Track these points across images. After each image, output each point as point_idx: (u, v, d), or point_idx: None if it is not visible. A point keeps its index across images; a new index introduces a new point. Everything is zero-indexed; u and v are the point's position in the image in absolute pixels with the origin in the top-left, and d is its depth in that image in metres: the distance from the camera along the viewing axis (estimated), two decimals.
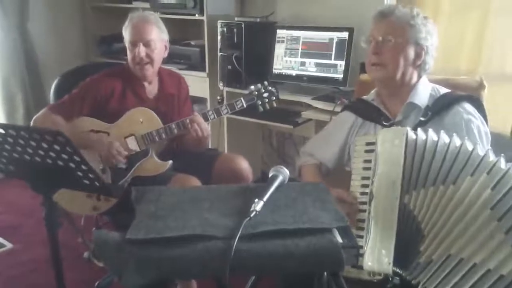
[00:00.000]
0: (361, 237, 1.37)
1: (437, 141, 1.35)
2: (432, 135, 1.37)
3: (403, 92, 1.62)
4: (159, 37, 2.07)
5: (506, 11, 2.40)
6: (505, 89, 2.47)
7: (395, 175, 1.35)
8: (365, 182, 1.44)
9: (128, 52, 2.07)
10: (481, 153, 1.30)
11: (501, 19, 2.42)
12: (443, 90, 1.66)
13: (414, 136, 1.38)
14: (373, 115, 1.68)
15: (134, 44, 2.03)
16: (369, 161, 1.45)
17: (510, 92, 2.47)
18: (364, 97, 1.77)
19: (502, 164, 1.27)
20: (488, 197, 1.24)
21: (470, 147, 1.32)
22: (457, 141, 1.34)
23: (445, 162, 1.32)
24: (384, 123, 1.62)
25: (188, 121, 1.99)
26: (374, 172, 1.40)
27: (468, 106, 1.59)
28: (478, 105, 1.63)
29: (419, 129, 1.42)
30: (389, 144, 1.40)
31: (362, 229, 1.39)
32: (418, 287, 1.29)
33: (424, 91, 1.63)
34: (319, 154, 1.78)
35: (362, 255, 1.32)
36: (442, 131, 1.38)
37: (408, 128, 1.41)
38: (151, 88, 2.15)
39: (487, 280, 1.20)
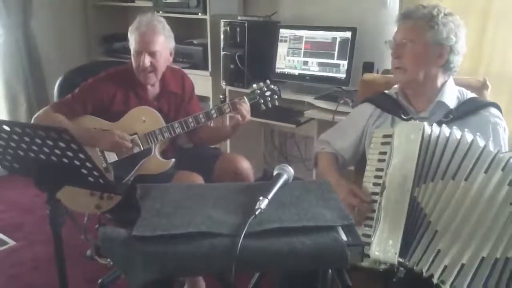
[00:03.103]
0: (370, 226, 1.41)
1: (449, 137, 1.37)
2: (445, 130, 1.39)
3: (429, 91, 1.63)
4: (165, 46, 2.05)
5: (506, 13, 2.41)
6: (505, 89, 2.47)
7: (409, 169, 1.37)
8: (379, 173, 1.46)
9: (133, 58, 2.05)
10: (493, 150, 1.31)
11: (501, 21, 2.43)
12: (469, 94, 1.67)
13: (429, 131, 1.40)
14: (392, 107, 1.69)
15: (139, 52, 2.01)
16: (384, 153, 1.47)
17: (510, 93, 2.48)
18: (386, 91, 1.77)
19: None
20: (507, 194, 1.26)
21: (481, 143, 1.33)
22: (468, 137, 1.36)
23: (455, 157, 1.34)
24: (403, 117, 1.63)
25: (232, 103, 2.02)
26: (388, 163, 1.43)
27: (494, 111, 1.60)
28: (501, 111, 1.64)
29: (434, 124, 1.43)
30: (405, 138, 1.42)
31: (371, 219, 1.43)
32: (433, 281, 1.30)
33: (452, 92, 1.63)
34: (336, 144, 1.78)
35: (369, 244, 1.35)
36: (454, 127, 1.40)
37: (425, 123, 1.42)
38: (153, 89, 2.15)
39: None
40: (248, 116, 2.03)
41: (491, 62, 2.50)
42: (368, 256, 1.36)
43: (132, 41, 2.04)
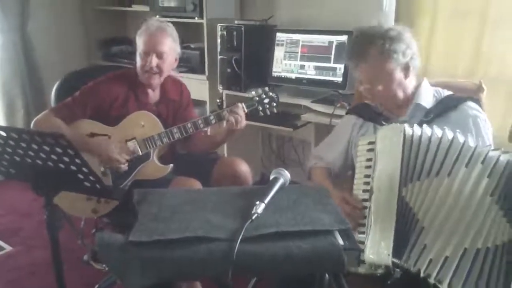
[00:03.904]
0: (363, 233, 1.42)
1: (431, 136, 1.41)
2: (426, 130, 1.43)
3: (406, 96, 1.67)
4: (172, 49, 2.07)
5: (503, 16, 2.42)
6: (502, 93, 2.48)
7: (394, 170, 1.40)
8: (368, 180, 1.48)
9: (139, 59, 2.06)
10: (472, 145, 1.36)
11: (498, 24, 2.44)
12: (445, 92, 1.70)
13: (411, 132, 1.43)
14: (373, 115, 1.73)
15: (147, 53, 2.02)
16: (371, 159, 1.49)
17: (508, 96, 2.49)
18: (367, 101, 1.80)
19: (492, 153, 1.34)
20: (486, 185, 1.30)
21: (461, 139, 1.37)
22: (449, 134, 1.40)
23: (438, 154, 1.38)
24: (383, 123, 1.66)
25: (226, 112, 2.01)
26: (374, 168, 1.45)
27: (472, 104, 1.64)
28: (479, 105, 1.68)
29: (415, 125, 1.46)
30: (388, 141, 1.45)
31: (364, 225, 1.44)
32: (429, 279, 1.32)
33: (428, 93, 1.67)
34: (327, 157, 1.83)
35: (363, 250, 1.36)
36: (434, 126, 1.43)
37: (406, 125, 1.45)
38: (154, 94, 2.15)
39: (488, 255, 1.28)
40: (243, 123, 2.03)
41: (489, 65, 2.51)
42: (363, 262, 1.37)
43: (140, 43, 2.05)
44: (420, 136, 1.41)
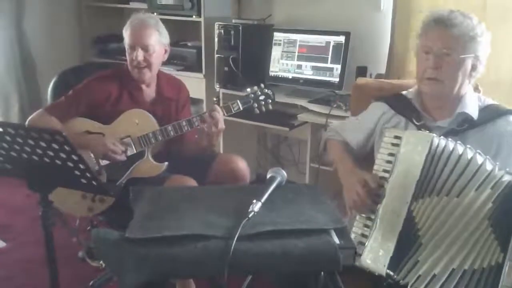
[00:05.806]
0: (368, 226, 1.40)
1: (451, 152, 1.35)
2: (450, 145, 1.36)
3: (450, 101, 1.56)
4: (158, 41, 2.06)
5: (500, 18, 2.43)
6: (498, 95, 2.49)
7: (410, 180, 1.35)
8: (385, 174, 1.43)
9: (127, 55, 2.06)
10: (489, 168, 1.31)
11: (495, 26, 2.44)
12: (488, 100, 1.61)
13: (436, 143, 1.36)
14: (406, 110, 1.62)
15: (132, 47, 2.03)
16: (393, 154, 1.43)
17: (503, 99, 2.50)
18: (404, 92, 1.69)
19: (506, 177, 1.30)
20: (488, 210, 1.28)
21: (480, 160, 1.32)
22: (469, 154, 1.34)
23: (452, 174, 1.33)
24: (415, 122, 1.57)
25: (201, 116, 1.98)
26: (392, 171, 1.40)
27: None
28: None
29: (441, 137, 1.39)
30: (412, 148, 1.39)
31: (371, 219, 1.42)
32: None
33: (473, 101, 1.56)
34: (347, 136, 1.75)
35: (363, 244, 1.36)
36: (458, 142, 1.37)
37: (434, 135, 1.38)
38: (149, 91, 2.14)
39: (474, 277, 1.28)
40: (219, 125, 1.99)
41: (485, 68, 2.51)
42: (360, 255, 1.36)
43: (126, 37, 2.06)
44: (442, 151, 1.35)
